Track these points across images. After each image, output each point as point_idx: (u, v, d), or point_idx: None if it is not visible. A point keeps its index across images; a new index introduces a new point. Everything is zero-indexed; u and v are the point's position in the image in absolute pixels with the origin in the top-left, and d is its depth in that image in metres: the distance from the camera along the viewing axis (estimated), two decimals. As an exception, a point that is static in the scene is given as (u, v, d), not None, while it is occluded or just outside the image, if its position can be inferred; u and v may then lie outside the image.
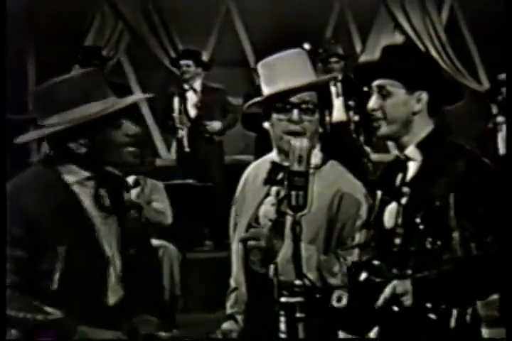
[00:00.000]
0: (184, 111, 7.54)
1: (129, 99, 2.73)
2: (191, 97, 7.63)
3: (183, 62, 7.63)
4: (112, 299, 2.69)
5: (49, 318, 2.53)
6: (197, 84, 7.65)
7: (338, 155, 2.99)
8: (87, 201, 2.68)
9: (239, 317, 3.00)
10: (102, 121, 2.63)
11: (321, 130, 2.91)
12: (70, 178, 2.67)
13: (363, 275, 2.52)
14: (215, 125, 7.47)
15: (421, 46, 9.05)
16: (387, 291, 2.43)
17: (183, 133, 7.50)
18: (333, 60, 7.76)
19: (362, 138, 7.45)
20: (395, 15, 9.26)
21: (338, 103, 7.61)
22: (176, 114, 7.52)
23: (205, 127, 7.47)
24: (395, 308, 2.42)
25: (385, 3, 9.26)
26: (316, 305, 2.60)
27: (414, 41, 9.19)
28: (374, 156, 7.54)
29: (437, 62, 2.81)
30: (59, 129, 2.61)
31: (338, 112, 7.58)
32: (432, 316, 2.44)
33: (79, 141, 2.63)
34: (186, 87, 7.65)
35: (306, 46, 8.42)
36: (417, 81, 2.59)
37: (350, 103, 7.44)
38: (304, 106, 2.85)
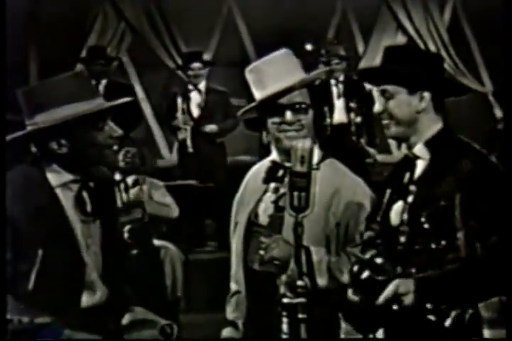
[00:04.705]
0: (187, 111, 7.54)
1: (116, 102, 2.70)
2: (195, 97, 7.63)
3: (195, 65, 7.61)
4: (85, 302, 2.66)
5: (35, 322, 2.51)
6: (201, 85, 7.66)
7: (338, 157, 2.98)
8: (68, 204, 2.66)
9: (239, 323, 2.97)
10: (84, 122, 2.62)
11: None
12: (54, 180, 2.66)
13: (365, 274, 2.51)
14: (211, 128, 7.46)
15: (423, 46, 9.04)
16: (389, 290, 2.42)
17: (186, 133, 7.48)
18: (335, 61, 7.76)
19: (364, 140, 7.42)
20: (397, 16, 9.24)
21: (339, 104, 7.61)
22: (179, 114, 7.50)
23: (202, 129, 7.48)
24: (395, 307, 2.42)
25: (387, 3, 9.25)
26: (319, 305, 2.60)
27: (416, 41, 9.17)
28: (379, 157, 7.51)
29: (439, 60, 2.80)
30: (38, 128, 2.60)
31: (339, 114, 7.58)
32: (432, 318, 2.43)
33: (59, 141, 2.62)
34: (191, 87, 7.67)
35: (308, 47, 8.44)
36: (418, 83, 2.60)
37: (352, 104, 7.42)
38: (296, 106, 2.84)
